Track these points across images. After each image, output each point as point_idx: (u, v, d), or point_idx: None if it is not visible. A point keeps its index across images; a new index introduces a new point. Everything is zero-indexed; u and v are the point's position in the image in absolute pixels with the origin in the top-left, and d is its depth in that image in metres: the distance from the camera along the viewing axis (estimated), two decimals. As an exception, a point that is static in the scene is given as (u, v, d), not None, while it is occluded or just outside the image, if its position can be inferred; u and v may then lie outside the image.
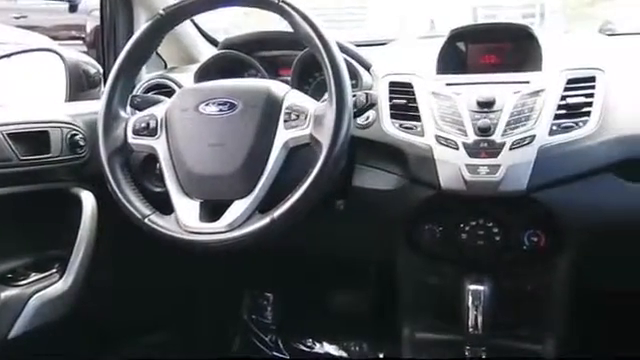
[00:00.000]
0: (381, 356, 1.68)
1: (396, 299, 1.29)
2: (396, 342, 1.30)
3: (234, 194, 1.02)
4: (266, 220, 0.99)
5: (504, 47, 1.25)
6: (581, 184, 1.05)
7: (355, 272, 1.62)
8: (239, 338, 1.82)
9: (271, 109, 1.04)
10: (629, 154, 1.04)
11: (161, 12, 1.11)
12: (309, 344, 1.78)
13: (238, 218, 1.00)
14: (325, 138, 0.98)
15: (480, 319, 1.08)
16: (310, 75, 1.30)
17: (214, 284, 1.73)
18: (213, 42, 1.61)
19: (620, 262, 1.20)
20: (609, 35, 1.52)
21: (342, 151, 0.98)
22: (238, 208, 1.01)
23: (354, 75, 1.21)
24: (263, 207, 1.02)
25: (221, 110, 1.05)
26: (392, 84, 1.20)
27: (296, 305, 1.82)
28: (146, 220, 1.06)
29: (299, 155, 1.03)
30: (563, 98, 1.08)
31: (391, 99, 1.17)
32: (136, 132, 1.10)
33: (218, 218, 1.02)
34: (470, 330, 1.09)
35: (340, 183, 1.15)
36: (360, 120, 1.16)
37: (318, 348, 1.77)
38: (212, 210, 1.03)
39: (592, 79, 1.11)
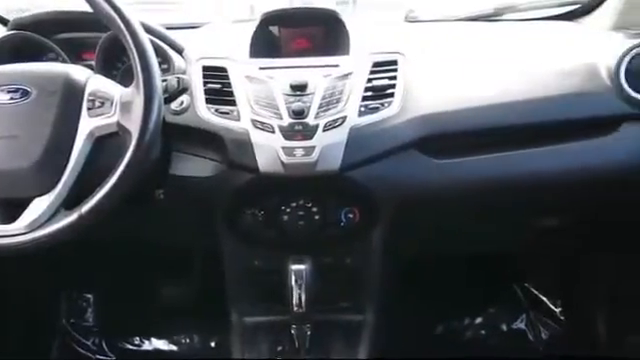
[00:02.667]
0: (212, 345, 1.66)
1: (223, 286, 1.28)
2: (226, 330, 1.29)
3: (33, 191, 0.93)
4: (73, 217, 0.92)
5: (315, 32, 1.28)
6: (389, 161, 1.11)
7: (180, 262, 1.58)
8: (57, 344, 1.68)
9: (72, 96, 0.96)
10: (429, 131, 1.13)
11: None
12: (136, 342, 1.70)
13: (40, 217, 0.92)
14: (134, 126, 0.92)
15: (304, 297, 1.11)
16: (118, 59, 1.22)
17: (24, 288, 1.58)
18: (3, 22, 1.43)
19: (428, 231, 1.31)
20: (412, 22, 1.64)
21: (154, 139, 0.94)
22: (39, 206, 0.92)
23: (165, 59, 1.17)
24: (69, 203, 0.94)
25: (12, 98, 0.94)
26: (206, 68, 1.17)
27: (119, 303, 1.73)
28: None
29: (107, 145, 0.97)
30: (369, 81, 1.14)
31: (205, 84, 1.15)
32: None
33: (15, 219, 0.92)
34: (295, 309, 1.11)
35: (157, 172, 1.10)
36: (174, 106, 1.12)
37: (146, 345, 1.70)
38: (7, 210, 0.93)
39: (394, 62, 1.18)
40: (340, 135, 1.07)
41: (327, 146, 1.07)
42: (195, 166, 1.13)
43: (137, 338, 1.70)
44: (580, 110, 1.15)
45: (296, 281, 1.11)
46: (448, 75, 1.22)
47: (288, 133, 1.07)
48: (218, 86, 1.14)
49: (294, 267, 1.12)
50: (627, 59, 1.15)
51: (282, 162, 1.06)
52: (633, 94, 1.14)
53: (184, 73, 1.16)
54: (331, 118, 1.08)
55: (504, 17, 1.57)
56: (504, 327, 1.72)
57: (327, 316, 1.21)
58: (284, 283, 1.14)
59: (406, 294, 1.60)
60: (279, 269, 1.15)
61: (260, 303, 1.24)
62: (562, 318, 1.71)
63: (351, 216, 1.15)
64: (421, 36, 1.43)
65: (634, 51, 1.15)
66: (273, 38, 1.28)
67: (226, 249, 1.24)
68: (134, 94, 0.94)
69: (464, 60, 1.27)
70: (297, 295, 1.11)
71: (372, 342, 1.22)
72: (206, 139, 1.11)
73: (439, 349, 1.69)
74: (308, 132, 1.07)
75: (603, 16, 1.39)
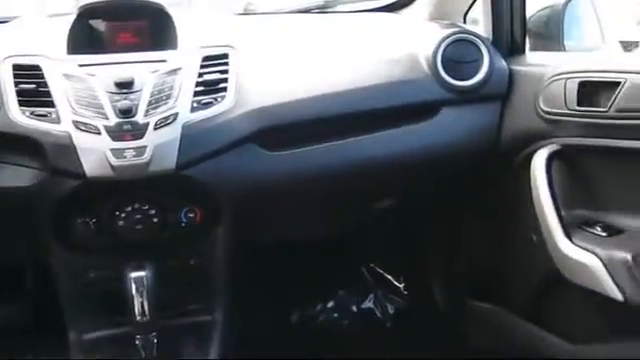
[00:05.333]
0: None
1: (58, 302, 1.19)
2: (65, 349, 1.20)
3: None
4: None
5: (140, 25, 1.21)
6: (227, 156, 1.10)
7: (9, 280, 1.44)
8: None
9: None
10: (264, 124, 1.13)
11: None
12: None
13: None
14: None
15: (146, 305, 1.06)
16: None
17: None
18: None
19: (272, 222, 1.32)
20: (244, 14, 1.63)
21: None
22: None
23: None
24: None
25: None
26: (16, 67, 1.07)
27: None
28: None
29: None
30: (200, 75, 1.11)
31: (17, 84, 1.05)
32: None
33: None
34: (138, 318, 1.06)
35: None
36: (-21, 111, 1.01)
37: (-26, 377, 1.52)
38: None
39: (225, 56, 1.16)
40: (173, 133, 1.04)
41: (160, 145, 1.03)
42: (12, 175, 1.04)
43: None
44: (404, 97, 1.22)
45: (137, 289, 1.06)
46: (281, 67, 1.23)
47: (116, 134, 1.02)
48: (32, 86, 1.05)
49: (133, 274, 1.07)
50: (442, 47, 1.25)
51: (111, 165, 1.01)
52: (449, 80, 1.23)
53: None
54: (162, 115, 1.04)
55: (334, 9, 1.63)
56: (354, 308, 1.79)
57: (174, 321, 1.18)
58: (124, 292, 1.08)
59: (258, 286, 1.61)
60: (118, 278, 1.09)
61: (100, 316, 1.17)
62: (406, 293, 1.82)
63: (192, 215, 1.12)
64: (253, 29, 1.42)
65: (448, 39, 1.25)
66: (94, 32, 1.19)
67: (58, 262, 1.15)
68: None
69: (296, 52, 1.29)
70: (139, 303, 1.06)
71: (223, 341, 1.20)
72: (22, 145, 1.02)
73: (295, 336, 1.72)
74: (138, 131, 1.02)
75: (420, 8, 1.48)
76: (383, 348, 1.62)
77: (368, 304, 1.80)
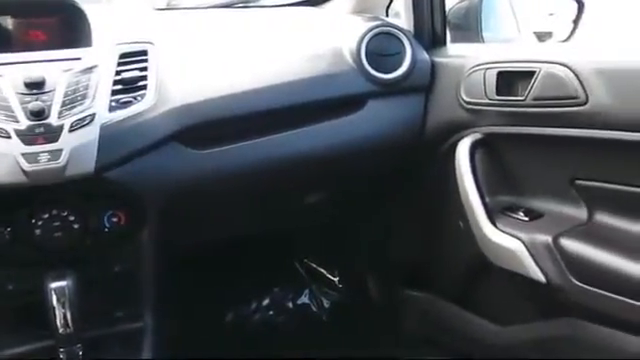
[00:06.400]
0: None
1: None
2: None
3: None
4: None
5: (51, 22, 1.15)
6: (150, 156, 1.06)
7: None
8: None
9: None
10: (188, 122, 1.10)
11: None
12: None
13: None
14: None
15: (69, 316, 1.01)
16: None
17: None
18: None
19: (202, 222, 1.29)
20: (168, 9, 1.58)
21: None
22: None
23: None
24: None
25: None
26: None
27: None
28: None
29: None
30: (118, 73, 1.07)
31: None
32: None
33: None
34: (60, 330, 1.01)
35: None
36: None
37: None
38: None
39: (144, 53, 1.12)
40: (90, 134, 0.99)
41: (76, 147, 0.98)
42: None
43: None
44: (329, 91, 1.23)
45: (58, 299, 1.01)
46: (203, 64, 1.21)
47: (27, 137, 0.96)
48: None
49: (54, 285, 1.01)
50: (366, 40, 1.25)
51: (24, 170, 0.95)
52: (373, 72, 1.24)
53: None
54: (78, 117, 0.99)
55: (256, 4, 1.60)
56: (290, 304, 1.79)
57: (100, 331, 1.12)
58: (45, 304, 1.02)
59: (191, 287, 1.57)
60: (38, 289, 1.03)
61: (19, 332, 1.10)
62: (340, 286, 1.83)
63: (115, 220, 1.08)
64: (174, 24, 1.38)
65: (371, 33, 1.26)
66: (1, 30, 1.13)
67: None
68: None
69: (218, 48, 1.27)
70: (61, 315, 1.01)
71: (154, 346, 1.16)
72: None
73: (231, 336, 1.70)
74: (52, 134, 0.97)
75: (343, 2, 1.48)
76: (320, 342, 1.62)
77: (303, 299, 1.80)
